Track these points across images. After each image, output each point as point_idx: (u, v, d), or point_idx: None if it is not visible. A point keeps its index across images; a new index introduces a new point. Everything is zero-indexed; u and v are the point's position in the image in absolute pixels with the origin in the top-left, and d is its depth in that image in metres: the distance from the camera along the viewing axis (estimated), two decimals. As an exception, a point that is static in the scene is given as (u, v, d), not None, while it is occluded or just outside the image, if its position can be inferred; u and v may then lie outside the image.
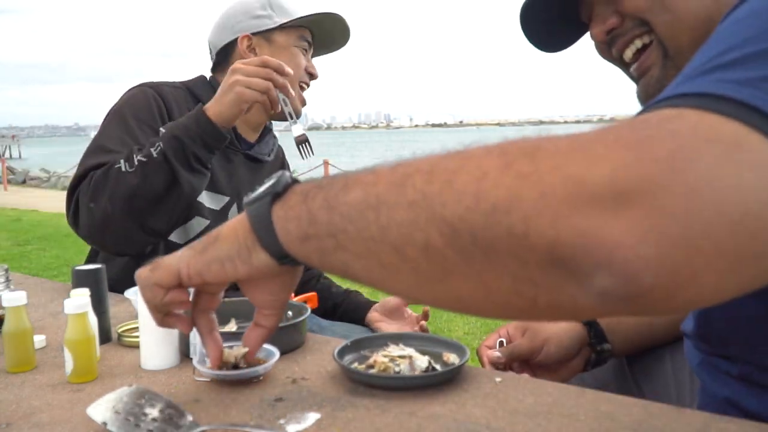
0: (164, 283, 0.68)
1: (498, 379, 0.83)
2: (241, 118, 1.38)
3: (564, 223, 0.38)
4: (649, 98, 0.75)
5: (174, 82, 1.53)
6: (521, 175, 0.41)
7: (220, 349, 0.77)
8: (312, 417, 0.72)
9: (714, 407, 0.72)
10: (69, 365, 0.84)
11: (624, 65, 0.84)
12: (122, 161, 1.24)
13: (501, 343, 1.07)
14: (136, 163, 1.23)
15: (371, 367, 0.85)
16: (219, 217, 1.46)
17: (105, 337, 1.01)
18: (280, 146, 1.74)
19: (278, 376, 0.85)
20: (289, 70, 1.29)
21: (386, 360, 0.85)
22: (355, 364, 0.87)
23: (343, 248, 0.52)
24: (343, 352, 0.89)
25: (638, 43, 0.78)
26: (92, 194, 1.25)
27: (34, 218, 9.35)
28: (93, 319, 0.91)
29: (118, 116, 1.40)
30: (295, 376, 0.86)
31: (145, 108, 1.41)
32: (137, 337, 0.93)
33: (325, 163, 12.29)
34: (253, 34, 1.51)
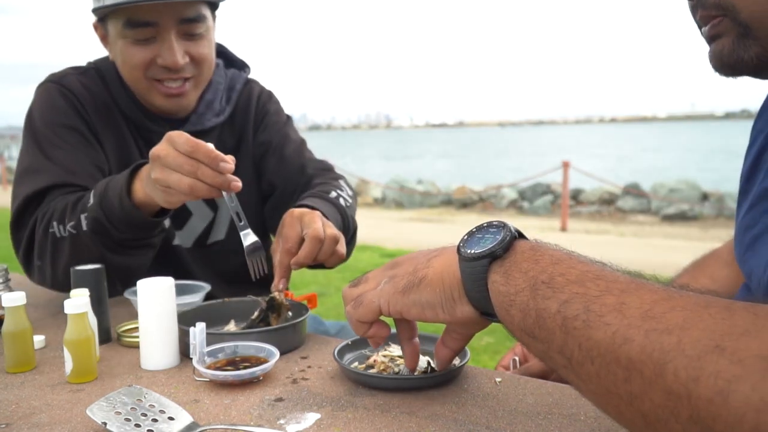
0: (367, 319, 0.73)
1: (498, 379, 0.83)
2: (159, 106, 1.28)
3: None
4: (722, 67, 0.73)
5: (80, 66, 1.35)
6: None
7: (418, 353, 0.80)
8: (312, 417, 0.72)
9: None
10: (69, 365, 0.84)
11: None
12: (55, 224, 1.11)
13: (515, 362, 1.07)
14: (66, 233, 1.10)
15: (371, 367, 0.85)
16: (208, 203, 1.36)
17: (105, 337, 1.01)
18: (249, 89, 1.46)
19: (278, 376, 0.85)
20: (226, 161, 0.95)
21: (386, 360, 0.85)
22: (355, 364, 0.87)
23: (572, 372, 0.51)
24: (343, 352, 0.89)
25: (715, 21, 0.73)
26: (38, 253, 1.15)
27: (34, 218, 9.33)
28: (93, 319, 0.91)
29: (31, 132, 1.26)
30: (295, 376, 0.86)
31: (55, 109, 1.26)
32: (137, 337, 0.93)
33: (325, 163, 12.28)
34: (99, 20, 1.27)
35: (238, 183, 0.96)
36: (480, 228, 0.65)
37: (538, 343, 0.54)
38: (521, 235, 0.63)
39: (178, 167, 0.93)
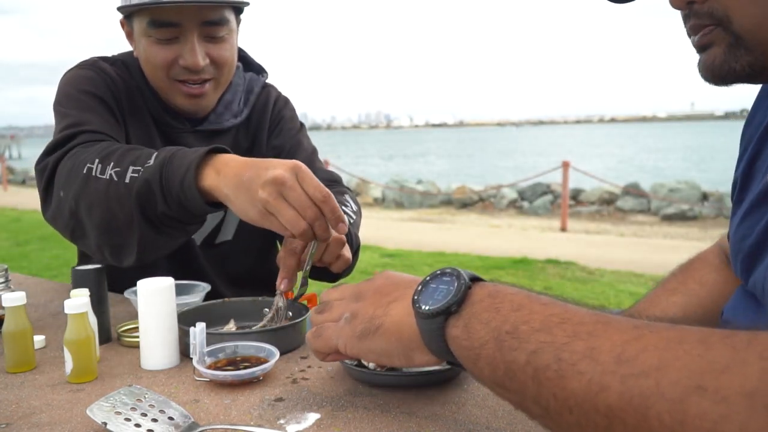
0: (323, 351, 0.73)
1: (498, 379, 0.83)
2: (180, 106, 1.28)
3: None
4: (713, 77, 0.72)
5: (108, 57, 1.35)
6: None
7: None
8: (312, 417, 0.72)
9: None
10: (69, 365, 0.84)
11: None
12: (97, 161, 1.04)
13: None
14: (106, 175, 1.03)
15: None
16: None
17: (105, 337, 1.01)
18: (267, 93, 1.47)
19: (278, 376, 0.85)
20: (344, 224, 0.94)
21: None
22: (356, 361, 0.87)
23: (552, 421, 0.50)
24: None
25: (705, 30, 0.72)
26: (64, 184, 1.07)
27: (34, 218, 9.34)
28: (93, 319, 0.91)
29: (65, 98, 1.24)
30: (295, 376, 0.86)
31: (90, 82, 1.26)
32: (137, 337, 0.93)
33: (326, 164, 12.30)
34: (125, 17, 1.28)
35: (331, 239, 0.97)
36: (434, 276, 0.62)
37: (511, 394, 0.53)
38: (477, 278, 0.60)
39: (300, 208, 0.89)
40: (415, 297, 0.61)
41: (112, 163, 1.03)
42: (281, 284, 1.00)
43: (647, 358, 0.43)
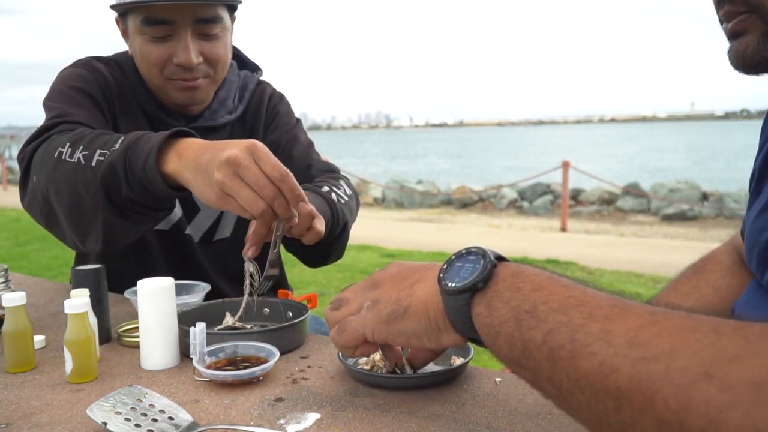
0: (351, 346, 0.72)
1: (498, 379, 0.83)
2: (174, 100, 1.28)
3: None
4: (744, 66, 0.70)
5: (102, 57, 1.37)
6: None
7: (401, 355, 0.82)
8: (312, 417, 0.72)
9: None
10: (69, 365, 0.84)
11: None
12: (67, 146, 1.04)
13: None
14: (74, 159, 1.02)
15: (374, 366, 0.85)
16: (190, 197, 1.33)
17: (105, 337, 1.01)
18: (261, 90, 1.48)
19: (278, 376, 0.85)
20: (306, 202, 0.94)
21: (378, 358, 0.85)
22: (361, 364, 0.87)
23: (564, 401, 0.50)
24: None
25: (741, 17, 0.71)
26: (37, 168, 1.08)
27: (34, 218, 9.33)
28: (93, 319, 0.91)
29: (54, 92, 1.25)
30: (295, 376, 0.86)
31: (82, 79, 1.27)
32: (137, 337, 0.93)
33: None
34: (120, 15, 1.29)
35: (296, 219, 0.95)
36: (459, 256, 0.63)
37: (526, 372, 0.54)
38: (502, 258, 0.61)
39: (257, 187, 0.87)
40: (441, 275, 0.62)
41: (81, 147, 1.03)
42: (248, 251, 0.97)
43: (659, 344, 0.44)
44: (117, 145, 1.00)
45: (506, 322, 0.55)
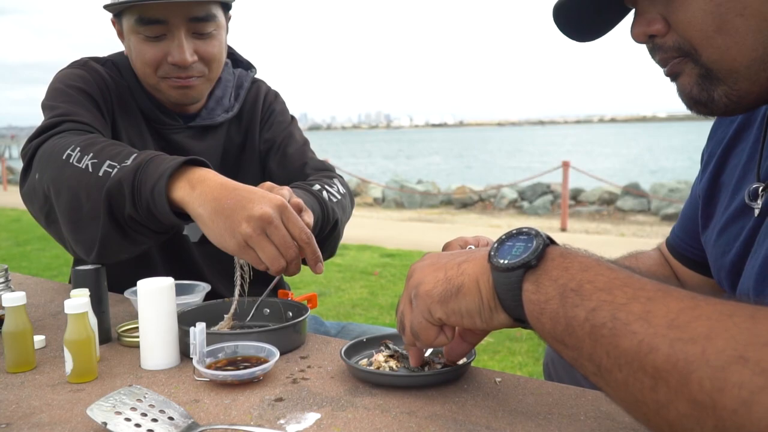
0: (431, 341, 0.72)
1: (498, 379, 0.83)
2: (170, 98, 1.29)
3: None
4: (695, 104, 0.72)
5: (99, 57, 1.37)
6: None
7: (422, 353, 0.83)
8: (312, 417, 0.72)
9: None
10: (69, 365, 0.84)
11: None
12: (78, 150, 1.03)
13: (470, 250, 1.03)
14: (82, 165, 1.01)
15: (379, 367, 0.85)
16: None
17: (105, 337, 1.01)
18: (257, 88, 1.49)
19: (278, 376, 0.85)
20: (321, 263, 0.97)
21: (384, 359, 0.85)
22: (363, 362, 0.87)
23: (602, 379, 0.51)
24: (349, 353, 0.88)
25: (675, 61, 0.73)
26: (40, 166, 1.07)
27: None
28: (93, 319, 0.91)
29: (53, 92, 1.25)
30: (295, 376, 0.86)
31: (81, 79, 1.27)
32: (137, 337, 0.93)
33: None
34: (115, 16, 1.30)
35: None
36: (510, 236, 0.64)
37: (568, 350, 0.55)
38: (551, 241, 0.62)
39: (283, 248, 0.90)
40: (492, 253, 0.63)
41: (91, 154, 1.02)
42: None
43: (698, 326, 0.45)
44: (129, 162, 0.99)
45: (552, 299, 0.56)
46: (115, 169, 0.99)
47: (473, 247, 1.01)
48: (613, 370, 0.49)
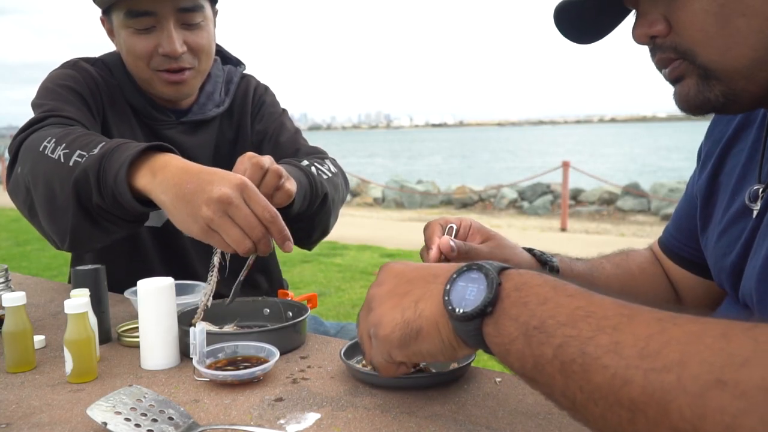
0: (392, 374, 0.69)
1: (498, 379, 0.83)
2: (162, 94, 1.29)
3: None
4: (690, 108, 0.72)
5: (89, 57, 1.38)
6: None
7: None
8: (312, 417, 0.72)
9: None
10: (69, 365, 0.84)
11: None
12: (53, 141, 1.03)
13: (452, 229, 0.96)
14: (55, 156, 1.01)
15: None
16: None
17: (105, 337, 1.01)
18: (246, 82, 1.50)
19: (278, 376, 0.85)
20: (290, 242, 0.93)
21: None
22: (363, 362, 0.87)
23: (579, 413, 0.51)
24: (349, 353, 0.88)
25: (674, 64, 0.73)
26: (22, 159, 1.08)
27: (34, 218, 9.33)
28: (93, 319, 0.91)
29: (42, 92, 1.26)
30: (295, 376, 0.86)
31: (71, 78, 1.28)
32: (137, 337, 0.93)
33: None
34: (104, 13, 1.32)
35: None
36: (460, 273, 0.61)
37: (540, 386, 0.54)
38: (503, 268, 0.60)
39: (247, 228, 0.87)
40: (446, 298, 0.60)
41: (63, 144, 1.02)
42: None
43: (669, 353, 0.44)
44: (96, 150, 0.98)
45: (516, 340, 0.54)
46: (84, 158, 0.98)
47: (455, 226, 0.96)
48: (588, 405, 0.48)
